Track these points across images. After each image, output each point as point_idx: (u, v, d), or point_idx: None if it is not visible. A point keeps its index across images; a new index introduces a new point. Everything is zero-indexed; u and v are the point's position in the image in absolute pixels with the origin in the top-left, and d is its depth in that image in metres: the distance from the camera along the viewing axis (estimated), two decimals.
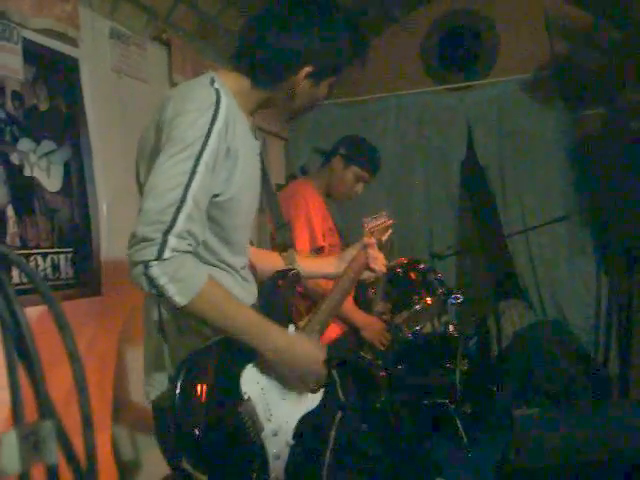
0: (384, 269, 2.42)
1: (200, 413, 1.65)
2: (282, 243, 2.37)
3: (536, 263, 5.43)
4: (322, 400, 2.11)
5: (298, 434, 1.93)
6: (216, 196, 1.75)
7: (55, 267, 2.92)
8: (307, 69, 1.94)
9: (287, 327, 2.02)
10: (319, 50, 1.94)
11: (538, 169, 5.45)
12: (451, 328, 4.38)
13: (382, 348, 3.57)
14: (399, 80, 5.99)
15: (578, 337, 5.28)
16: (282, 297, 2.06)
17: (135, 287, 1.65)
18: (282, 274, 2.09)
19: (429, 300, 4.10)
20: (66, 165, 3.04)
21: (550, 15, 5.60)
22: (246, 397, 1.77)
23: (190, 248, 1.65)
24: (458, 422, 4.17)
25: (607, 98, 5.40)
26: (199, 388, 1.67)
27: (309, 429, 2.03)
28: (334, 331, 3.49)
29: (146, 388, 1.95)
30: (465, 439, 4.16)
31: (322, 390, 2.09)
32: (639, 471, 2.98)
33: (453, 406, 4.25)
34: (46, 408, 0.83)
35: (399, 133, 5.67)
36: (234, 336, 1.74)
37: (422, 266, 4.19)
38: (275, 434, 1.83)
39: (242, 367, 1.79)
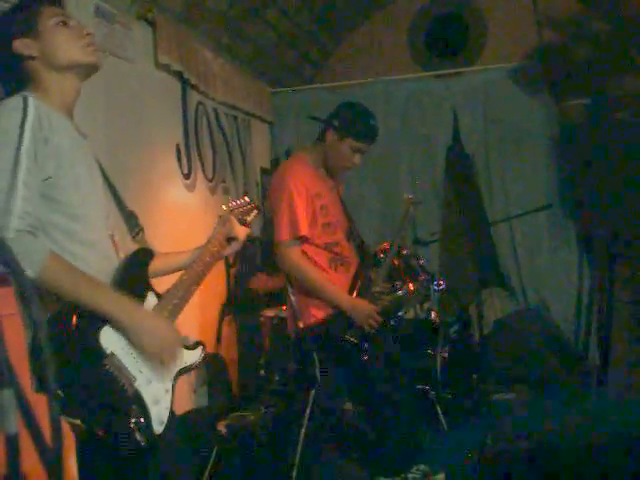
0: (243, 238, 2.59)
1: (67, 369, 1.79)
2: None
3: (519, 251, 5.45)
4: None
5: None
6: (48, 179, 1.94)
7: None
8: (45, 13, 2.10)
9: (144, 300, 2.15)
10: None
11: (523, 157, 5.46)
12: (433, 315, 4.39)
13: (371, 330, 3.48)
14: (386, 66, 5.99)
15: (559, 326, 5.31)
16: (136, 272, 2.18)
17: None
18: (135, 252, 2.23)
19: (411, 286, 4.10)
20: None
21: (538, 4, 5.60)
22: (109, 352, 1.92)
23: (30, 228, 1.85)
24: (438, 408, 4.19)
25: (593, 89, 5.42)
26: (61, 347, 1.82)
27: None
28: (319, 314, 3.48)
29: None
30: (444, 424, 4.18)
31: (200, 347, 2.28)
32: (614, 456, 3.01)
33: (433, 392, 4.26)
34: (5, 376, 0.82)
35: (385, 119, 5.64)
36: (86, 305, 1.90)
37: (405, 252, 4.18)
38: (149, 382, 2.00)
39: (100, 327, 1.93)
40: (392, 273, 4.00)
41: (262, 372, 4.50)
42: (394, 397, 3.64)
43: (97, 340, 1.91)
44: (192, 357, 2.24)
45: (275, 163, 5.73)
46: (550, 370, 4.65)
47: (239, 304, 4.86)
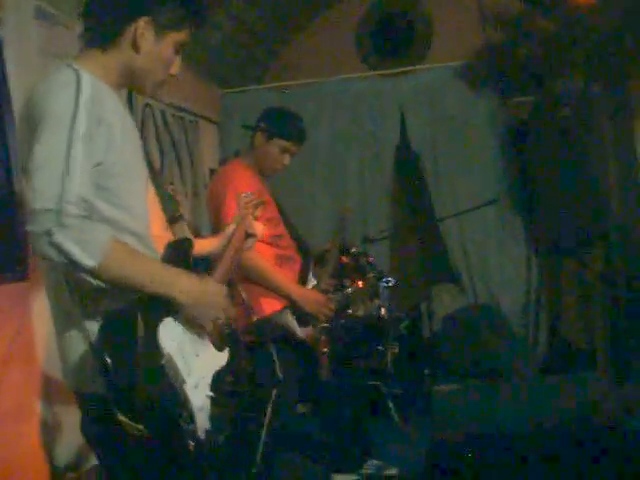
0: (260, 233, 2.67)
1: (128, 370, 1.74)
2: None
3: (468, 247, 5.53)
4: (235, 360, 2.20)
5: (215, 389, 2.01)
6: (99, 164, 1.81)
7: None
8: (144, 19, 1.94)
9: None
10: None
11: (470, 154, 5.54)
12: (383, 311, 4.43)
13: (324, 320, 3.54)
14: (334, 66, 6.03)
15: (509, 320, 5.39)
16: (181, 263, 2.08)
17: (44, 261, 1.76)
18: (174, 243, 2.15)
19: (360, 283, 4.16)
20: None
21: (483, 3, 5.68)
22: (165, 352, 1.83)
23: (86, 213, 1.72)
24: (390, 403, 4.24)
25: (537, 86, 5.52)
26: (125, 347, 1.76)
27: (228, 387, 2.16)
28: (271, 305, 3.50)
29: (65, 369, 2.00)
30: (397, 419, 4.23)
31: (228, 349, 2.19)
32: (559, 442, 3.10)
33: (385, 387, 4.31)
34: None
35: (333, 119, 5.69)
36: (143, 288, 1.80)
37: (354, 250, 4.23)
38: (196, 386, 1.89)
39: (157, 325, 1.85)
40: (341, 271, 4.05)
41: (228, 378, 4.49)
42: (342, 394, 3.70)
43: (156, 341, 1.83)
44: (223, 359, 2.18)
45: (224, 164, 5.73)
46: (496, 363, 4.72)
47: None
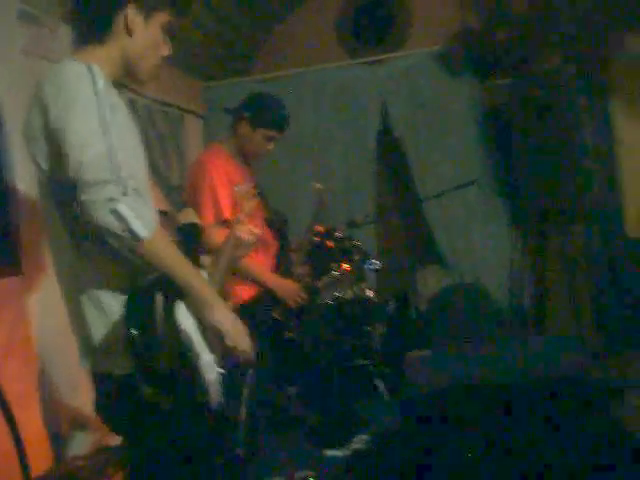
0: (250, 236, 2.56)
1: (151, 344, 1.84)
2: None
3: (451, 229, 5.65)
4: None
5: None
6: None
7: None
8: (131, 5, 2.05)
9: None
10: None
11: (451, 138, 5.65)
12: (370, 293, 4.54)
13: (294, 306, 3.69)
14: (315, 56, 6.12)
15: (494, 300, 5.52)
16: (190, 247, 2.16)
17: (97, 228, 1.80)
18: (185, 227, 2.24)
19: (346, 267, 4.28)
20: None
21: None
22: (182, 327, 1.93)
23: (137, 190, 1.82)
24: (378, 382, 4.36)
25: (514, 69, 5.62)
26: (148, 321, 1.85)
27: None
28: (247, 293, 3.63)
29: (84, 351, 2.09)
30: (386, 397, 4.35)
31: None
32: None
33: (373, 368, 4.43)
34: None
35: (315, 108, 5.79)
36: (173, 274, 1.89)
37: (339, 234, 4.34)
38: (210, 363, 1.99)
39: (175, 301, 1.94)
40: (327, 255, 4.18)
41: None
42: (326, 373, 3.82)
43: (174, 315, 1.93)
44: None
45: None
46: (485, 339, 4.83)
47: None
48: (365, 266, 4.52)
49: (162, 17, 2.12)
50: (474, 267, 5.64)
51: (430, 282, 5.61)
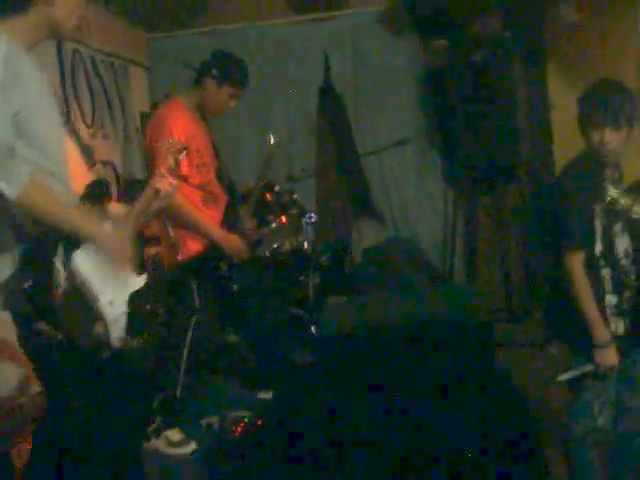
0: (169, 188, 2.65)
1: (44, 287, 2.10)
2: None
3: (388, 184, 5.85)
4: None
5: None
6: (18, 113, 2.10)
7: None
8: None
9: None
10: None
11: (391, 96, 5.81)
12: (305, 245, 4.73)
13: (238, 261, 3.87)
14: (260, 9, 6.17)
15: (427, 253, 5.76)
16: (96, 201, 2.45)
17: None
18: (92, 184, 2.49)
19: (284, 219, 4.47)
20: None
21: None
22: (79, 273, 2.19)
23: (8, 153, 2.03)
24: (313, 328, 4.57)
25: (454, 29, 5.76)
26: (42, 269, 2.12)
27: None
28: (196, 247, 3.80)
29: None
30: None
31: (146, 274, 2.54)
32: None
33: (307, 316, 4.64)
34: None
35: (259, 63, 5.86)
36: (57, 224, 2.15)
37: (277, 188, 4.51)
38: (111, 303, 2.27)
39: (72, 251, 2.20)
40: (265, 208, 4.35)
41: (148, 307, 4.76)
42: (263, 322, 4.04)
43: (70, 262, 2.16)
44: (139, 282, 2.50)
45: (154, 108, 5.88)
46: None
47: None
48: (303, 219, 4.71)
49: None
50: (410, 223, 5.87)
51: (366, 235, 5.81)
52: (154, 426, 3.54)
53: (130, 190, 5.01)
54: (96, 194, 2.40)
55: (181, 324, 3.81)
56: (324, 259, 5.00)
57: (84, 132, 4.82)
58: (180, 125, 3.72)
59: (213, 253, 3.82)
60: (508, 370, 4.03)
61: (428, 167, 5.87)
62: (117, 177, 5.06)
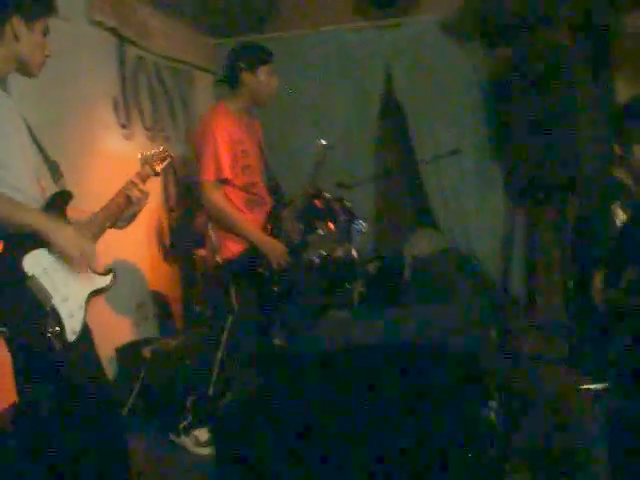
0: (140, 195, 2.70)
1: None
2: None
3: (447, 194, 5.83)
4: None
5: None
6: None
7: None
8: (15, 17, 2.42)
9: None
10: None
11: (452, 105, 5.80)
12: (354, 253, 4.76)
13: (277, 267, 3.91)
14: (326, 15, 6.23)
15: (482, 266, 5.72)
16: (56, 209, 2.52)
17: None
18: (53, 195, 2.55)
19: (331, 226, 4.52)
20: None
21: None
22: (30, 274, 2.32)
23: None
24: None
25: (518, 39, 5.70)
26: None
27: None
28: (236, 248, 3.90)
29: None
30: None
31: (112, 274, 2.61)
32: None
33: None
34: None
35: (323, 68, 5.94)
36: (14, 223, 2.30)
37: (327, 195, 4.56)
38: (66, 300, 2.40)
39: (24, 254, 2.34)
40: (314, 215, 4.41)
41: (197, 307, 4.92)
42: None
43: (21, 264, 2.31)
44: (103, 281, 2.59)
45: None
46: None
47: (181, 244, 5.21)
48: (352, 227, 4.75)
49: (41, 23, 2.49)
50: (467, 234, 5.83)
51: (421, 245, 5.79)
52: (184, 423, 3.65)
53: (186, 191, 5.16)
54: (57, 204, 2.51)
55: (219, 324, 3.90)
56: (372, 267, 5.03)
57: (143, 134, 4.98)
58: (224, 129, 3.85)
59: (253, 255, 3.90)
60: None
61: (488, 178, 5.81)
62: (176, 179, 5.22)
